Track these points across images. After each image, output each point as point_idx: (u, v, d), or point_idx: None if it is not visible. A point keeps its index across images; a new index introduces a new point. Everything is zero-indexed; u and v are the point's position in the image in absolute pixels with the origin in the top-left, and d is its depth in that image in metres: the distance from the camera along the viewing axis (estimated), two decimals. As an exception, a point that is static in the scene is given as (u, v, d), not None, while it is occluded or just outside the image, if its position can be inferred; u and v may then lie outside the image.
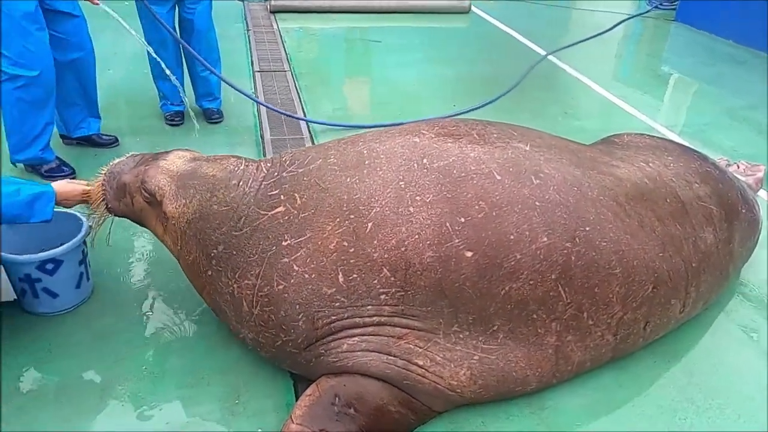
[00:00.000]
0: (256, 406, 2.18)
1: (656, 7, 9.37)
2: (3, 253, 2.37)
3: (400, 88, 5.49)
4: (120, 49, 5.72)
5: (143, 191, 2.30)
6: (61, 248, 2.42)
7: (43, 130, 3.45)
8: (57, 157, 3.62)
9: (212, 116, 4.46)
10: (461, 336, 2.09)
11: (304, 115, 4.67)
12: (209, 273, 2.24)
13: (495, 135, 2.41)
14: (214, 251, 2.20)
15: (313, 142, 4.25)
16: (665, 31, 8.40)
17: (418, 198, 2.11)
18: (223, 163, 2.32)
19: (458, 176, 2.16)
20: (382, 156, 2.23)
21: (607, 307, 2.24)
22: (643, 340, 2.42)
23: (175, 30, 4.11)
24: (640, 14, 9.10)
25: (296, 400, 2.20)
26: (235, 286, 2.17)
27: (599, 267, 2.20)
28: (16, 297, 2.53)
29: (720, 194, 2.79)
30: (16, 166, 3.60)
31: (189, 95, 4.45)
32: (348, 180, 2.16)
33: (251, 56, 5.97)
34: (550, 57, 6.64)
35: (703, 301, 2.63)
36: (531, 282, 2.11)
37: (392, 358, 2.01)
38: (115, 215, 2.46)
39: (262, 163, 2.35)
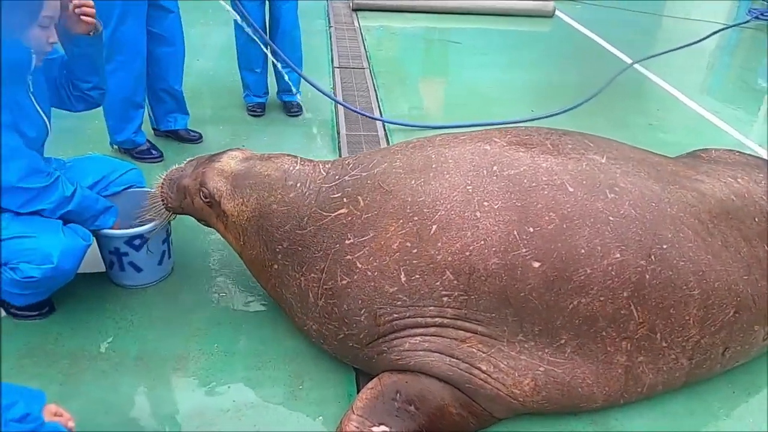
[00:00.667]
0: (318, 394, 2.25)
1: (756, 17, 8.80)
2: (96, 228, 2.55)
3: (477, 90, 5.45)
4: (209, 41, 5.99)
5: (202, 193, 2.39)
6: (147, 226, 2.58)
7: (135, 114, 3.67)
8: (148, 140, 3.85)
9: (291, 109, 4.60)
10: (526, 346, 2.07)
11: (380, 114, 4.73)
12: (275, 267, 2.32)
13: (570, 146, 2.36)
14: (279, 247, 2.27)
15: (387, 140, 4.30)
16: (763, 43, 7.89)
17: (485, 204, 2.10)
18: (277, 162, 2.38)
19: (529, 186, 2.14)
20: (450, 161, 2.23)
21: (682, 329, 2.15)
22: (720, 366, 2.31)
23: (264, 27, 4.26)
24: (738, 24, 8.58)
25: (357, 392, 2.26)
26: (302, 279, 2.24)
27: (676, 287, 2.12)
28: (105, 269, 2.72)
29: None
30: (113, 148, 3.84)
31: (271, 88, 4.64)
32: (413, 183, 2.17)
33: (332, 52, 6.09)
34: (636, 66, 6.39)
35: (791, 331, 2.48)
36: (601, 298, 2.06)
37: (455, 360, 2.02)
38: (176, 213, 2.58)
39: (319, 165, 2.39)
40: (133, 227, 2.58)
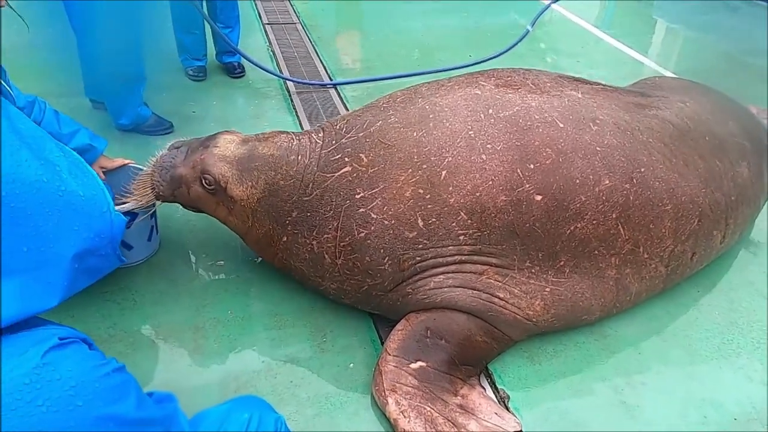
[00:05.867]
0: (343, 343, 2.34)
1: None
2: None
3: (413, 38, 5.50)
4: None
5: (205, 181, 2.31)
6: (132, 202, 2.48)
7: (137, 87, 3.58)
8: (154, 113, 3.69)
9: (234, 71, 4.45)
10: (533, 271, 2.25)
11: (326, 70, 4.68)
12: (284, 239, 2.34)
13: (549, 84, 2.53)
14: (288, 219, 2.30)
15: (339, 93, 4.29)
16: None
17: (488, 146, 2.23)
18: (276, 141, 2.37)
19: (524, 125, 2.28)
20: (446, 109, 2.32)
21: (660, 241, 2.42)
22: (689, 270, 2.63)
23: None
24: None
25: (379, 337, 2.37)
26: (314, 243, 2.28)
27: (653, 205, 2.37)
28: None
29: (749, 130, 2.98)
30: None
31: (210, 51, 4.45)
32: (414, 134, 2.25)
33: (257, 8, 5.88)
34: (554, 6, 6.64)
35: (740, 231, 2.84)
36: (594, 221, 2.27)
37: (476, 292, 2.18)
38: (165, 201, 2.47)
39: (312, 134, 2.42)
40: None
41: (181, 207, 2.95)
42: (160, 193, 2.42)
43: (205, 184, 2.32)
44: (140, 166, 2.65)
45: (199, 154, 2.34)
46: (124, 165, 2.67)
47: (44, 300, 1.03)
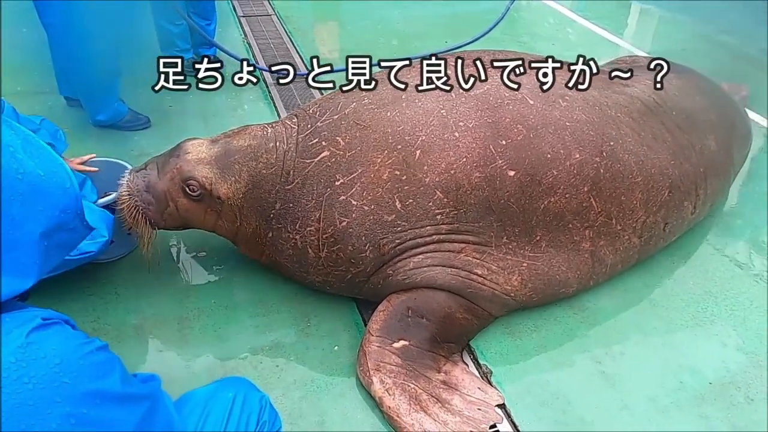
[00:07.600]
0: (327, 327, 2.38)
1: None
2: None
3: (391, 27, 5.51)
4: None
5: (189, 189, 2.23)
6: (115, 194, 2.48)
7: (113, 83, 3.55)
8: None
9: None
10: (510, 247, 2.30)
11: (302, 60, 4.69)
12: (270, 235, 2.32)
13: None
14: (273, 211, 2.28)
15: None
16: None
17: (461, 124, 2.26)
18: (249, 132, 2.35)
19: (495, 103, 2.33)
20: (418, 89, 2.35)
21: (632, 212, 2.48)
22: (663, 241, 2.69)
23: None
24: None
25: (362, 319, 2.41)
26: (297, 237, 2.28)
27: (624, 177, 2.42)
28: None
29: (718, 106, 3.04)
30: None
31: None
32: (388, 114, 2.28)
33: (231, 1, 5.85)
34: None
35: (711, 202, 2.91)
36: (567, 195, 2.32)
37: (455, 270, 2.22)
38: (158, 229, 2.36)
39: (287, 121, 2.42)
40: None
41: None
42: (153, 220, 2.31)
43: (189, 192, 2.24)
44: (113, 160, 2.65)
45: (173, 164, 2.25)
46: (92, 158, 2.63)
47: (20, 281, 1.05)
